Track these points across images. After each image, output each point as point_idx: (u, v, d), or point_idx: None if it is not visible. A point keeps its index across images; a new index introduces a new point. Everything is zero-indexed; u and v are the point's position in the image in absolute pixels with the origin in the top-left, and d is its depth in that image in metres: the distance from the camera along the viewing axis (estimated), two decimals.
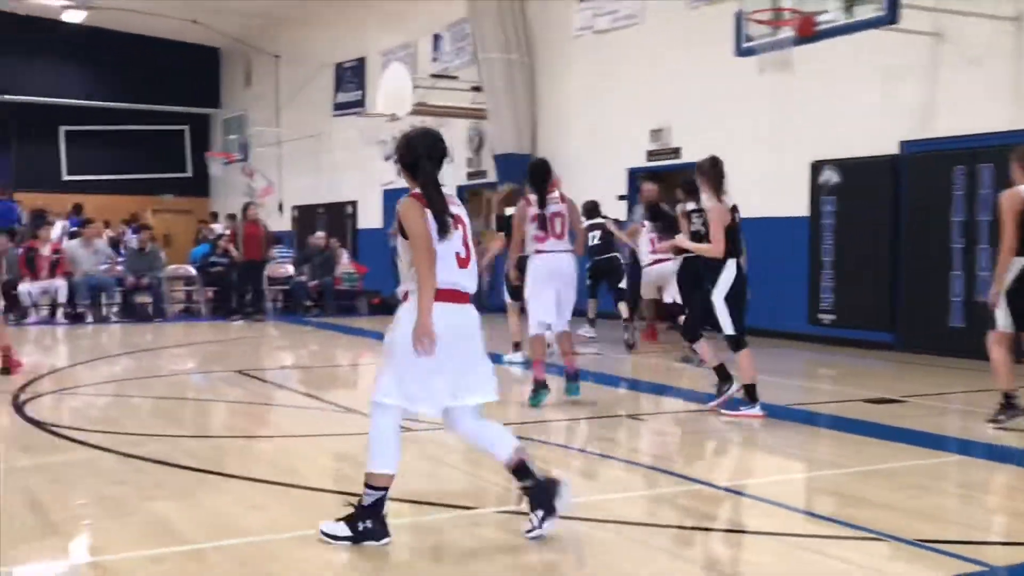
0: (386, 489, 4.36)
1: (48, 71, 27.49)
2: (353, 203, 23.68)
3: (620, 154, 15.69)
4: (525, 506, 4.45)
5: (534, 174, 8.19)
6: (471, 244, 4.47)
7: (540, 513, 4.38)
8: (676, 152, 14.90)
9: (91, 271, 16.01)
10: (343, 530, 4.35)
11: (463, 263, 4.38)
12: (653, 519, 4.98)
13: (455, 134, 19.74)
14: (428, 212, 4.29)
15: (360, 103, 22.24)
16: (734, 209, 7.60)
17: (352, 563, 4.22)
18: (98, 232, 17.32)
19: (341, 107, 23.23)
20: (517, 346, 10.70)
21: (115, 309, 16.38)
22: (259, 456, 6.54)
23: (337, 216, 23.68)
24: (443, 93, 18.52)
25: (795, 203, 12.86)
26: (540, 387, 7.89)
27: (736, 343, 7.57)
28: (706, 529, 4.84)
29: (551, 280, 7.98)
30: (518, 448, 4.48)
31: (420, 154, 4.38)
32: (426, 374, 4.28)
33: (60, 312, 15.62)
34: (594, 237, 12.09)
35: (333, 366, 11.79)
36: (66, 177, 26.78)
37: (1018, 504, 5.32)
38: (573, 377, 8.15)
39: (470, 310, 4.46)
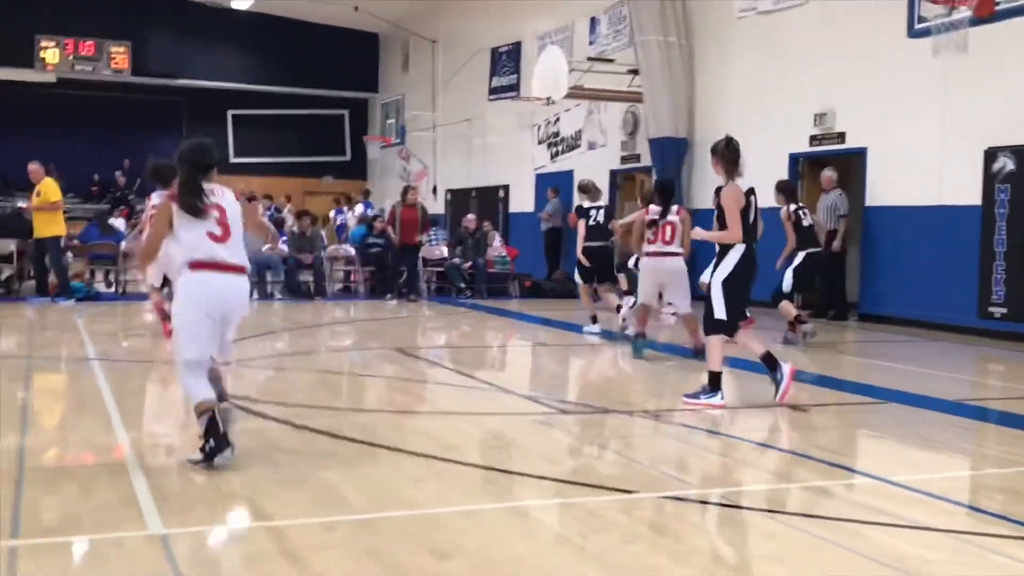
0: (208, 412, 5.21)
1: (216, 57, 28.64)
2: (505, 187, 23.87)
3: (782, 139, 15.30)
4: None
5: (665, 190, 10.12)
6: (230, 223, 5.39)
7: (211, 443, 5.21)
8: (841, 137, 14.44)
9: (257, 250, 16.62)
10: (197, 455, 5.26)
11: (218, 239, 5.34)
12: (819, 511, 4.86)
13: (610, 117, 19.67)
14: (175, 207, 5.30)
15: (515, 87, 22.37)
16: (750, 192, 7.29)
17: (507, 534, 4.27)
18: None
19: (496, 91, 23.42)
20: (595, 319, 11.99)
21: (279, 287, 16.96)
22: (418, 431, 6.67)
23: (489, 200, 23.92)
24: (599, 76, 18.44)
25: (967, 191, 12.29)
26: (639, 338, 9.92)
27: (721, 328, 7.25)
28: (876, 523, 4.69)
29: (654, 275, 9.92)
30: (221, 405, 5.32)
31: (186, 160, 5.38)
32: (196, 330, 5.32)
33: None
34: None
35: (484, 346, 11.94)
36: (233, 160, 27.87)
37: None
38: (700, 352, 8.96)
39: (232, 277, 5.40)
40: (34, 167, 14.62)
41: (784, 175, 15.08)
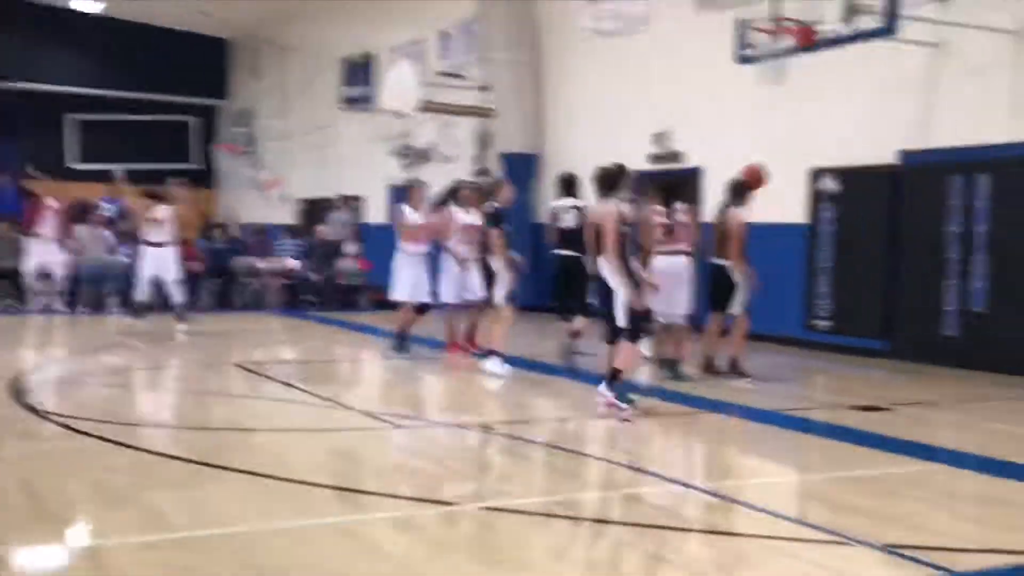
0: None
1: (56, 59, 27.60)
2: (359, 198, 23.79)
3: (624, 156, 15.64)
4: None
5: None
6: None
7: None
8: (677, 156, 15.00)
9: (96, 258, 16.15)
10: None
11: None
12: (633, 518, 5.10)
13: (461, 132, 19.87)
14: None
15: (368, 99, 22.35)
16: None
17: (341, 556, 4.36)
18: (103, 219, 17.39)
19: (348, 102, 23.33)
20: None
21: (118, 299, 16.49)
22: (249, 448, 6.66)
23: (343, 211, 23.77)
24: (450, 91, 18.62)
25: (794, 210, 12.96)
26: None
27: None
28: (685, 530, 4.96)
29: None
30: None
31: None
32: None
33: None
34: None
35: (327, 361, 11.92)
36: (71, 165, 26.90)
37: (986, 512, 5.43)
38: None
39: None
40: None
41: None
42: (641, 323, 7.78)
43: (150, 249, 13.23)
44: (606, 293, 7.78)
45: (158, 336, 12.68)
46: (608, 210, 7.90)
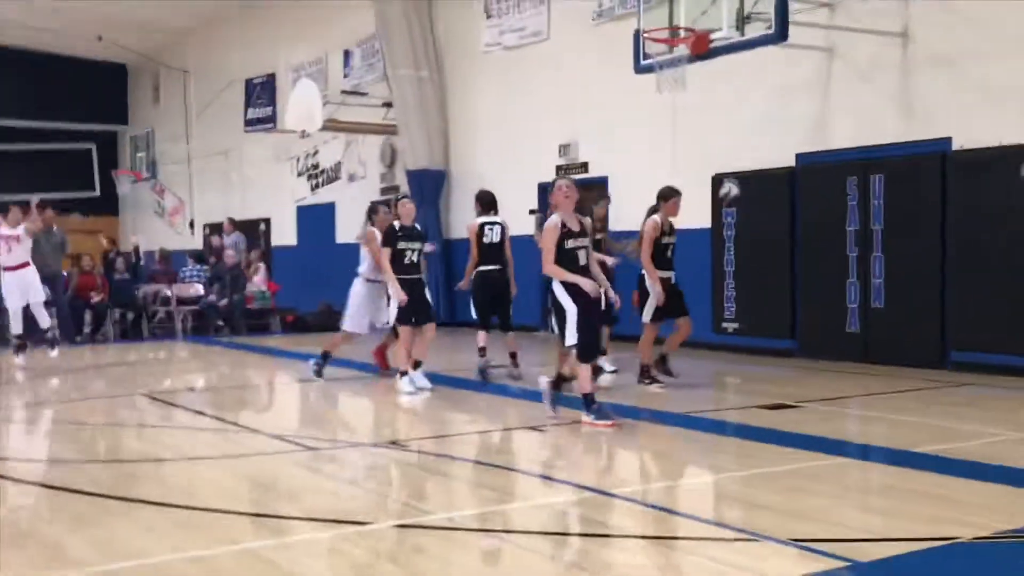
0: None
1: None
2: (266, 220, 23.52)
3: (531, 168, 15.89)
4: None
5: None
6: None
7: None
8: (584, 167, 15.15)
9: None
10: None
11: None
12: (551, 528, 5.11)
13: (368, 149, 19.81)
14: None
15: (271, 119, 22.13)
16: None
17: None
18: None
19: (252, 123, 23.07)
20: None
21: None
22: (156, 479, 6.51)
23: (250, 233, 23.49)
24: (354, 109, 18.57)
25: (698, 215, 13.15)
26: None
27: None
28: (583, 535, 4.99)
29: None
30: None
31: None
32: None
33: None
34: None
35: (237, 387, 11.72)
36: None
37: (891, 502, 5.56)
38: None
39: None
40: None
41: (534, 204, 15.68)
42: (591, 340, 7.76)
43: (6, 275, 12.33)
44: (558, 311, 7.76)
45: (55, 368, 12.32)
46: (547, 225, 7.81)
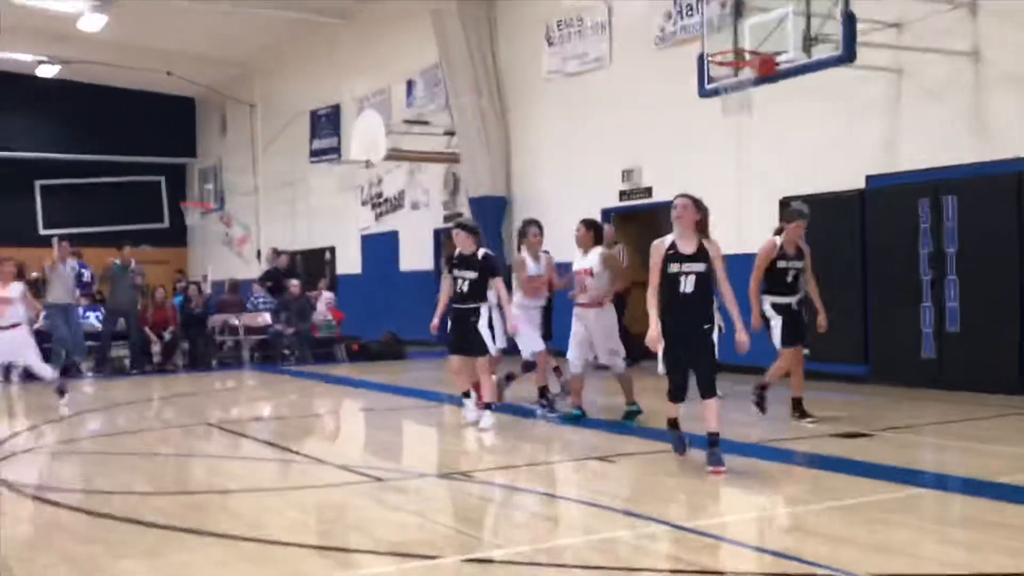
0: None
1: (22, 125, 27.59)
2: (331, 249, 23.74)
3: (593, 195, 15.81)
4: None
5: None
6: None
7: None
8: (648, 192, 15.04)
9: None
10: None
11: None
12: (604, 560, 5.00)
13: (430, 178, 19.91)
14: None
15: (336, 150, 22.39)
16: None
17: None
18: None
19: (317, 154, 23.37)
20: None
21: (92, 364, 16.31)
22: (225, 511, 6.52)
23: (316, 262, 23.73)
24: (417, 138, 18.70)
25: (765, 239, 12.94)
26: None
27: None
28: (655, 570, 4.87)
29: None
30: None
31: None
32: None
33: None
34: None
35: (303, 416, 11.73)
36: (43, 231, 26.74)
37: (973, 534, 5.37)
38: None
39: None
40: None
41: None
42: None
43: None
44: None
45: (123, 398, 12.47)
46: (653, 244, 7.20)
